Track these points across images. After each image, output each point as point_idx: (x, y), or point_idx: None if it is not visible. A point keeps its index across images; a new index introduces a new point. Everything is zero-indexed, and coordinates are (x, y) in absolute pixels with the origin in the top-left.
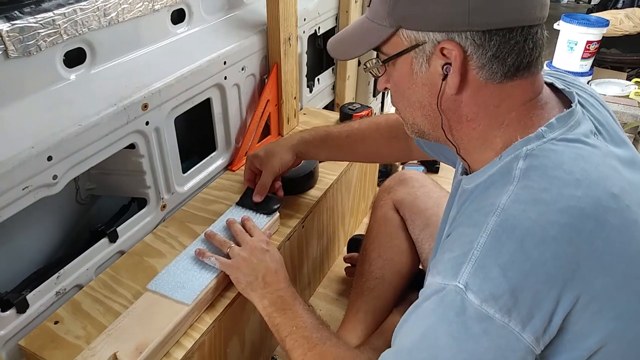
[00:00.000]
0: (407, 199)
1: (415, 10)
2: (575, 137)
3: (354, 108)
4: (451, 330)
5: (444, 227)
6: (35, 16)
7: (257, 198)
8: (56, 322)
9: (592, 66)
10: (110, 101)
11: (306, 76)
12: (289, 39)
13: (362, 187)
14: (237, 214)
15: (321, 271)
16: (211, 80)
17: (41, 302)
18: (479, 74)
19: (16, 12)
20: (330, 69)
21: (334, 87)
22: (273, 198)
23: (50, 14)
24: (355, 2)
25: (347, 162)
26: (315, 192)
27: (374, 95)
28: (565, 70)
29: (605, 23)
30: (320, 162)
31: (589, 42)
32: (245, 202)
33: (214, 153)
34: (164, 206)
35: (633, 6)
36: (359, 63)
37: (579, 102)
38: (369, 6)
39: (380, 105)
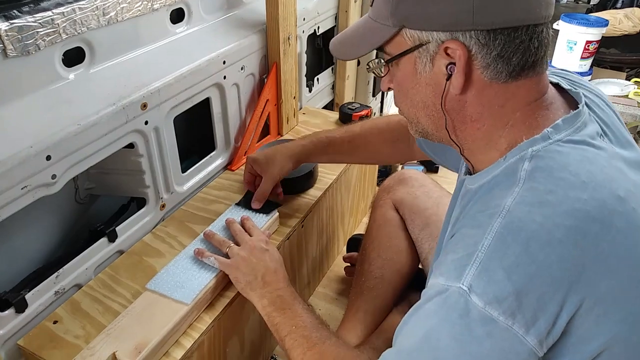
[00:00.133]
0: (407, 199)
1: (419, 9)
2: (581, 139)
3: (354, 108)
4: (454, 332)
5: (447, 227)
6: (34, 15)
7: (255, 205)
8: (55, 322)
9: (591, 66)
10: (109, 101)
11: (305, 76)
12: (289, 38)
13: (361, 187)
14: (237, 214)
15: (321, 271)
16: (210, 79)
17: (40, 301)
18: (483, 73)
19: (15, 11)
20: (330, 68)
21: (333, 87)
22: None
23: (49, 13)
24: (355, 1)
25: None
26: (314, 192)
27: (374, 95)
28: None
29: (604, 23)
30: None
31: (588, 42)
32: (244, 202)
33: (213, 152)
34: (163, 206)
35: (632, 6)
36: (359, 63)
37: (585, 103)
38: (371, 5)
39: (379, 104)
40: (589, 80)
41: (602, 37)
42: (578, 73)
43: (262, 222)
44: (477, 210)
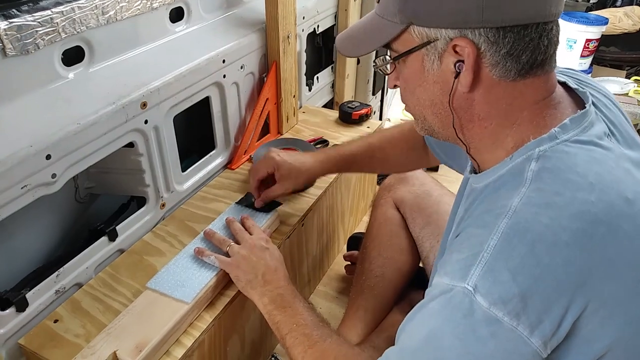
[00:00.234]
0: (408, 197)
1: (427, 6)
2: (588, 139)
3: (353, 106)
4: (457, 332)
5: (451, 225)
6: (33, 14)
7: (258, 204)
8: (56, 321)
9: (591, 64)
10: (108, 100)
11: (305, 74)
12: (288, 37)
13: (361, 186)
14: (237, 213)
15: (321, 269)
16: (210, 78)
17: (41, 300)
18: (492, 71)
19: (14, 10)
20: (330, 67)
21: (333, 86)
22: None
23: (48, 12)
24: (354, 0)
25: None
26: (315, 191)
27: (373, 94)
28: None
29: (604, 21)
30: None
31: (588, 41)
32: (244, 200)
33: (213, 151)
34: (163, 205)
35: (632, 4)
36: (358, 62)
37: (592, 102)
38: (378, 2)
39: (379, 103)
40: None
41: (602, 35)
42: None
43: (262, 220)
44: (482, 210)
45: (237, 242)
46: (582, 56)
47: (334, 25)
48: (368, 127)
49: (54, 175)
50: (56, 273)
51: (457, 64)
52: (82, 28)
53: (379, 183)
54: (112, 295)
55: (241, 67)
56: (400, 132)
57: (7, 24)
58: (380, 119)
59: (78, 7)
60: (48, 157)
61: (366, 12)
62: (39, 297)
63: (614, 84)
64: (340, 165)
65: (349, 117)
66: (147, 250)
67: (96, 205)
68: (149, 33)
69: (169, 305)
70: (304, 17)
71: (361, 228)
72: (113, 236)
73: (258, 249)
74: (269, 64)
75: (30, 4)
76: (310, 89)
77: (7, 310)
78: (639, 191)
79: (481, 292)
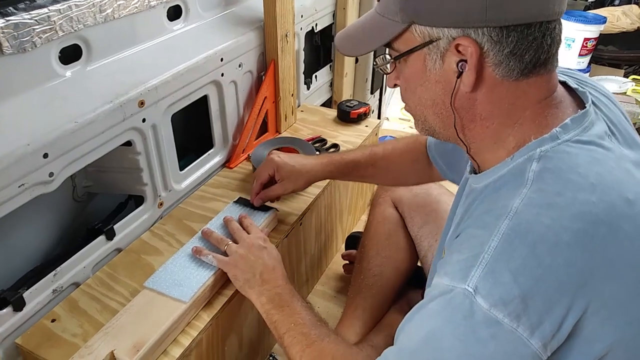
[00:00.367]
0: (406, 196)
1: (430, 5)
2: (589, 139)
3: (352, 105)
4: (457, 333)
5: (450, 225)
6: (30, 12)
7: (257, 202)
8: (53, 320)
9: (589, 63)
10: (106, 98)
11: (303, 73)
12: (286, 35)
13: (359, 185)
14: (235, 212)
15: (319, 268)
16: (208, 77)
17: (38, 300)
18: (495, 71)
19: (10, 8)
20: (328, 66)
21: (331, 84)
22: None
23: (45, 10)
24: None
25: None
26: (313, 190)
27: (372, 93)
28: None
29: (602, 20)
30: None
31: (586, 39)
32: (242, 200)
33: (211, 150)
34: (161, 204)
35: (630, 3)
36: (357, 60)
37: (592, 102)
38: (378, 0)
39: (378, 102)
40: None
41: (600, 34)
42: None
43: (260, 220)
44: (483, 211)
45: (235, 241)
46: (580, 55)
47: (332, 23)
48: (366, 126)
49: (51, 174)
50: (53, 272)
51: (460, 64)
52: (79, 26)
53: None
54: (109, 295)
55: (239, 66)
56: (405, 145)
57: (3, 22)
58: (379, 117)
59: (75, 5)
60: (45, 155)
61: (365, 10)
62: (36, 296)
63: (612, 83)
64: (342, 170)
65: (347, 115)
66: (144, 249)
67: (94, 204)
68: (147, 31)
69: (167, 305)
70: (302, 16)
71: (359, 227)
72: (111, 235)
73: (256, 248)
74: (267, 63)
75: (27, 2)
76: (308, 88)
77: (4, 310)
78: (639, 192)
79: (482, 293)
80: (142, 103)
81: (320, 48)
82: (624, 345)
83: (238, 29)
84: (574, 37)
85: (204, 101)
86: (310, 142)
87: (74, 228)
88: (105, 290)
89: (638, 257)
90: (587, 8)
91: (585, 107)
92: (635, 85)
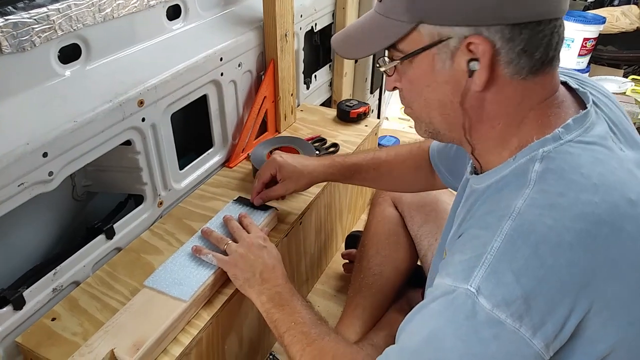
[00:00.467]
0: (406, 196)
1: (439, 3)
2: (591, 140)
3: (351, 105)
4: (460, 334)
5: (451, 226)
6: (29, 11)
7: (257, 202)
8: (53, 319)
9: (588, 63)
10: (105, 97)
11: (303, 73)
12: (286, 35)
13: None
14: (234, 211)
15: (319, 268)
16: (207, 76)
17: (38, 298)
18: (505, 69)
19: (9, 7)
20: (327, 65)
21: (331, 84)
22: None
23: (45, 9)
24: None
25: None
26: (313, 189)
27: (371, 92)
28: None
29: (601, 20)
30: None
31: (585, 39)
32: (242, 199)
33: (210, 150)
34: (160, 203)
35: (629, 3)
36: (356, 60)
37: (593, 102)
38: (380, 1)
39: (377, 102)
40: None
41: (600, 34)
42: (575, 70)
43: (260, 219)
44: (485, 211)
45: (235, 241)
46: (579, 55)
47: (332, 23)
48: (366, 126)
49: (50, 173)
50: (53, 271)
51: (470, 63)
52: (78, 25)
53: None
54: (109, 294)
55: (239, 65)
56: (408, 151)
57: (2, 21)
58: (378, 117)
59: (74, 5)
60: (45, 155)
61: (364, 10)
62: (36, 295)
63: (612, 83)
64: (344, 173)
65: (346, 115)
66: (144, 248)
67: (93, 203)
68: (146, 31)
69: (167, 304)
70: (301, 15)
71: (359, 226)
72: (110, 234)
73: (256, 247)
74: (266, 62)
75: (26, 1)
76: (308, 87)
77: (5, 308)
78: None
79: (484, 294)
80: (141, 102)
81: (320, 48)
82: (626, 345)
83: (237, 28)
84: (574, 37)
85: (203, 101)
86: (309, 142)
87: (73, 227)
88: (105, 289)
89: None
90: (587, 8)
91: (586, 108)
92: (635, 86)
